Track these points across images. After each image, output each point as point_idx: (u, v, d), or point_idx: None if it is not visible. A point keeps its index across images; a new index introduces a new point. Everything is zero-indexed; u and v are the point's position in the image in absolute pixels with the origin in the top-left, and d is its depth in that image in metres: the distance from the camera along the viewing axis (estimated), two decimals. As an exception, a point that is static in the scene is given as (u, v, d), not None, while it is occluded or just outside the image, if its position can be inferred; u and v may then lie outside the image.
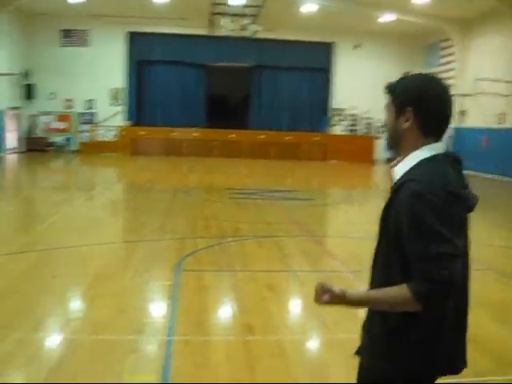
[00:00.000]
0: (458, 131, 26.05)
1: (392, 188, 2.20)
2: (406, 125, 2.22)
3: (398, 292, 2.02)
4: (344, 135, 30.44)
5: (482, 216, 13.20)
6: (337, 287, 2.11)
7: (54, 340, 4.86)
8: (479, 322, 5.44)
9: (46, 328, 5.09)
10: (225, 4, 23.66)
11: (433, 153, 2.17)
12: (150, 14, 26.44)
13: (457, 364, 2.26)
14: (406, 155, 2.24)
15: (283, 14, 25.97)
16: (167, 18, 27.01)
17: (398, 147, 2.30)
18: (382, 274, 2.24)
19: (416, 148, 2.20)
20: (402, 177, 2.18)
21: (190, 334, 5.07)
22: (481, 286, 6.77)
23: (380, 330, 2.19)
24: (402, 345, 2.13)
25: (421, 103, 2.18)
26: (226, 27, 24.28)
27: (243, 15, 24.19)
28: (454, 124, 26.20)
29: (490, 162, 23.11)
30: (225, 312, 5.67)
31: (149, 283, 6.58)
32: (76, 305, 5.81)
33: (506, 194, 19.28)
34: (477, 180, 22.43)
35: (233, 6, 23.74)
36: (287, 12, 25.72)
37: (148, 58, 29.24)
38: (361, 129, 30.85)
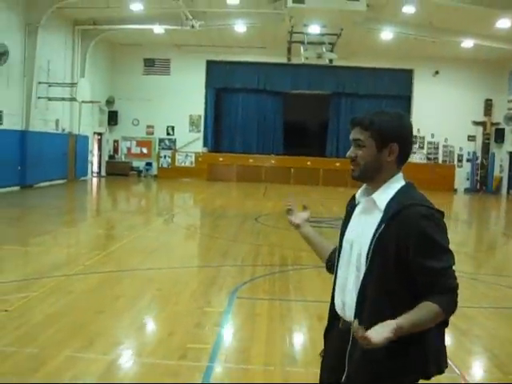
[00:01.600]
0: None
1: (387, 215, 2.29)
2: (390, 158, 2.39)
3: (428, 309, 2.14)
4: (423, 163, 29.86)
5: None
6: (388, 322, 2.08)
7: (100, 360, 5.00)
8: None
9: (95, 348, 5.24)
10: (303, 32, 23.89)
11: (404, 181, 2.42)
12: (229, 42, 27.08)
13: (443, 365, 2.39)
14: (379, 185, 2.40)
15: (360, 42, 25.96)
16: (246, 46, 27.55)
17: (373, 178, 2.43)
18: (377, 303, 2.27)
19: (390, 178, 2.40)
20: (390, 204, 2.31)
21: (230, 361, 5.11)
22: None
23: (386, 351, 2.14)
24: (407, 359, 2.26)
25: (404, 140, 2.41)
26: (303, 55, 24.48)
27: (321, 43, 24.32)
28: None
29: None
30: (269, 341, 5.65)
31: (202, 309, 6.66)
32: (128, 327, 5.94)
33: None
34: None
35: (310, 35, 23.94)
36: (364, 40, 25.68)
37: (226, 85, 29.94)
38: (440, 157, 30.21)
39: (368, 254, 2.30)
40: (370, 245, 2.29)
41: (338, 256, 2.52)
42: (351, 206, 2.58)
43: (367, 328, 2.23)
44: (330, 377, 2.50)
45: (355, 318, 2.32)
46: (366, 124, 2.40)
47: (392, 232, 2.24)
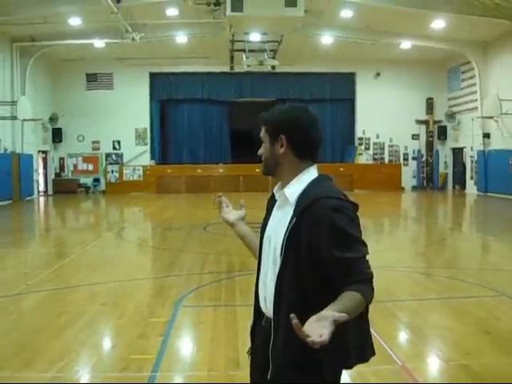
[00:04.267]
0: (484, 154, 25.74)
1: (298, 209, 2.29)
2: (282, 151, 2.41)
3: (353, 298, 2.11)
4: (370, 164, 30.31)
5: (507, 240, 12.98)
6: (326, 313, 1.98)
7: (40, 378, 4.86)
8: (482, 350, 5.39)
9: (35, 366, 5.11)
10: (244, 41, 24.02)
11: (316, 174, 2.42)
12: (172, 54, 27.01)
13: (366, 354, 2.40)
14: (288, 179, 2.42)
15: (302, 48, 26.27)
16: (188, 57, 27.55)
17: (275, 172, 2.48)
18: (293, 296, 2.27)
19: (297, 171, 2.41)
20: (301, 198, 2.32)
21: (174, 369, 5.06)
22: (489, 313, 6.67)
23: (306, 345, 2.12)
24: (328, 351, 2.11)
25: (293, 131, 2.40)
26: (245, 63, 24.62)
27: (262, 51, 24.51)
28: (478, 147, 25.96)
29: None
30: (213, 347, 5.62)
31: (146, 320, 6.58)
32: (70, 343, 5.81)
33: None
34: (507, 203, 22.11)
35: (252, 42, 24.09)
36: (306, 45, 26.00)
37: (171, 97, 29.96)
38: (386, 157, 30.73)
39: (282, 248, 2.31)
40: (283, 239, 2.30)
41: (260, 253, 2.53)
42: (271, 202, 2.59)
43: (286, 322, 2.24)
44: (259, 375, 2.48)
45: (274, 313, 2.34)
46: (264, 120, 2.48)
47: (303, 225, 2.25)
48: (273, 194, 2.59)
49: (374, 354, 2.43)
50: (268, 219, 2.54)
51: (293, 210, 2.32)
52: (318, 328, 1.86)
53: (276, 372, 2.33)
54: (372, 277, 2.23)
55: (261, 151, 2.49)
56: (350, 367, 2.39)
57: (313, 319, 1.91)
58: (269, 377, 2.34)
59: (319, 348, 1.85)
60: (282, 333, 2.30)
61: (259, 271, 2.53)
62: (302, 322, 1.86)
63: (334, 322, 1.90)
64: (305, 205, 2.27)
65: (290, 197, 2.37)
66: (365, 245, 2.26)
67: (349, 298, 2.10)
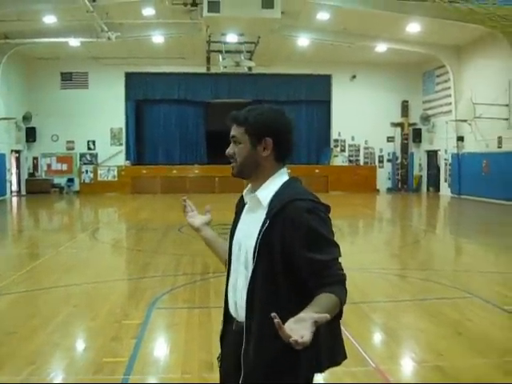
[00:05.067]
0: (458, 157, 26.02)
1: (271, 212, 2.27)
2: (265, 153, 2.37)
3: (328, 300, 2.10)
4: (345, 166, 30.44)
5: (481, 241, 13.13)
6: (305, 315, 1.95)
7: (11, 381, 4.79)
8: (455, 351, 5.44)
9: (5, 369, 5.03)
10: (220, 42, 23.98)
11: (288, 176, 2.41)
12: (148, 54, 26.85)
13: (337, 357, 2.41)
14: (262, 181, 2.40)
15: (278, 49, 26.25)
16: (165, 57, 27.38)
17: (252, 174, 2.43)
18: (265, 301, 2.25)
19: (270, 174, 2.39)
20: (274, 200, 2.30)
21: (147, 372, 5.02)
22: (462, 314, 6.74)
23: (280, 346, 2.08)
24: (300, 355, 2.16)
25: (279, 134, 2.38)
26: (221, 64, 24.58)
27: (239, 52, 24.48)
28: (452, 150, 26.24)
29: (491, 186, 22.95)
30: (187, 350, 5.59)
31: (119, 322, 6.51)
32: (41, 345, 5.73)
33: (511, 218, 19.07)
34: (480, 205, 22.36)
35: (228, 43, 24.06)
36: (282, 47, 26.00)
37: (147, 97, 29.77)
38: (362, 159, 30.90)
39: (254, 252, 2.28)
40: (256, 243, 2.28)
41: (229, 258, 2.50)
42: (240, 206, 2.56)
43: (260, 327, 2.23)
44: (230, 380, 2.45)
45: (246, 317, 2.31)
46: (241, 120, 2.40)
47: (277, 228, 2.23)
48: (241, 197, 2.57)
49: (345, 357, 2.43)
50: (237, 223, 2.52)
51: (265, 213, 2.30)
52: (299, 329, 1.84)
53: (249, 377, 2.31)
54: (345, 278, 2.22)
55: (231, 151, 2.43)
56: (321, 371, 2.38)
57: (291, 321, 1.89)
58: (241, 381, 2.32)
59: (297, 350, 1.85)
60: (254, 339, 2.28)
61: (228, 276, 2.51)
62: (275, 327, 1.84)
63: (314, 324, 1.88)
64: (278, 207, 2.25)
65: (263, 200, 2.35)
66: (337, 246, 2.26)
67: (325, 300, 2.09)
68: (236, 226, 2.51)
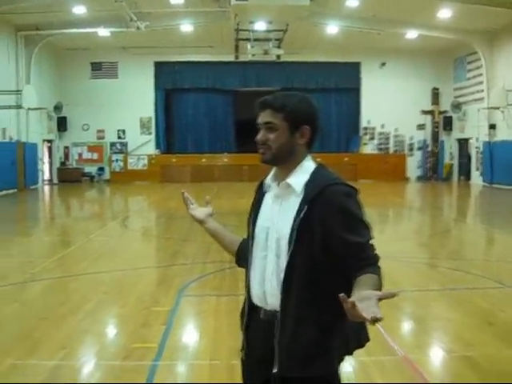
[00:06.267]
0: (489, 145, 25.62)
1: (308, 197, 2.28)
2: (302, 141, 2.38)
3: (373, 279, 2.14)
4: (375, 154, 30.23)
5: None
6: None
7: (42, 365, 4.89)
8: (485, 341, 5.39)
9: (38, 354, 5.13)
10: (249, 30, 23.92)
11: (314, 163, 2.41)
12: (177, 43, 26.93)
13: (362, 340, 2.42)
14: (292, 168, 2.38)
15: (307, 37, 26.11)
16: (193, 46, 27.43)
17: (286, 161, 2.40)
18: (303, 287, 2.26)
19: (300, 161, 2.40)
20: (308, 186, 2.31)
21: (176, 358, 5.07)
22: (493, 304, 6.66)
23: (317, 331, 2.22)
24: (333, 338, 2.27)
25: (315, 122, 2.41)
26: (250, 52, 24.52)
27: (267, 40, 24.39)
28: (484, 138, 25.83)
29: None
30: (215, 337, 5.63)
31: (149, 309, 6.58)
32: (72, 331, 5.83)
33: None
34: (510, 194, 22.03)
35: (257, 31, 23.99)
36: (311, 34, 25.86)
37: (175, 86, 29.88)
38: (391, 147, 30.63)
39: (290, 238, 2.27)
40: (292, 229, 2.27)
41: (252, 246, 2.47)
42: (260, 193, 2.54)
43: (297, 312, 2.24)
44: (258, 370, 2.43)
45: (282, 305, 2.30)
46: (279, 106, 2.35)
47: (315, 212, 2.24)
48: (260, 184, 2.55)
49: (368, 339, 2.43)
50: (258, 210, 2.49)
51: (300, 199, 2.30)
52: (368, 307, 1.86)
53: (285, 365, 2.30)
54: (379, 260, 2.29)
55: (263, 137, 2.38)
56: (350, 353, 2.40)
57: (356, 300, 1.88)
58: (275, 370, 2.30)
59: (331, 334, 2.03)
60: (292, 325, 2.28)
61: (251, 265, 2.47)
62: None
63: (379, 301, 1.91)
64: (315, 192, 2.27)
65: (296, 186, 2.34)
66: (371, 228, 2.32)
67: (371, 280, 2.13)
68: (257, 213, 2.48)
